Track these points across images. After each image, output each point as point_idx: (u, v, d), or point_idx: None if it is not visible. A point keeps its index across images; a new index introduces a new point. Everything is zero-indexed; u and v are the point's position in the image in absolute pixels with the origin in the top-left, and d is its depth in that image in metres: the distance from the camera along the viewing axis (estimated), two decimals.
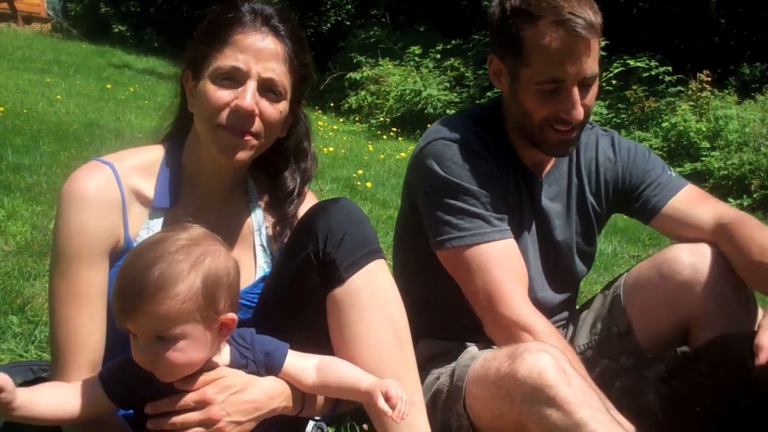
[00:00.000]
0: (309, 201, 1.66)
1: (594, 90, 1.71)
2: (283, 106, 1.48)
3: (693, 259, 1.78)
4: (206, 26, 1.49)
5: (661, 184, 1.89)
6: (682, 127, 8.13)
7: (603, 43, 9.09)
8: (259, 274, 1.58)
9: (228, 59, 1.42)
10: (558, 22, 1.60)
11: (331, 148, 7.33)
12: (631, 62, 9.43)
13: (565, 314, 2.01)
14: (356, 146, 8.33)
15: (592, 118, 2.00)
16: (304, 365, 1.41)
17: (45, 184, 4.20)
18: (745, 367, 1.47)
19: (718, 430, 1.50)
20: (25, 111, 6.75)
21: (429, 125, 1.90)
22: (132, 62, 13.36)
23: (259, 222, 1.61)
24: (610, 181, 1.93)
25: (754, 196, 7.12)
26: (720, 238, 1.78)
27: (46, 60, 11.49)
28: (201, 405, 1.31)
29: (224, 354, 1.37)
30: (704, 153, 7.79)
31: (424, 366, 1.78)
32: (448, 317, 1.85)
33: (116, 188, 1.44)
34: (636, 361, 1.75)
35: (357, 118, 11.11)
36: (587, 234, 1.95)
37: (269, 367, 1.39)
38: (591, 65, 1.65)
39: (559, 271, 1.93)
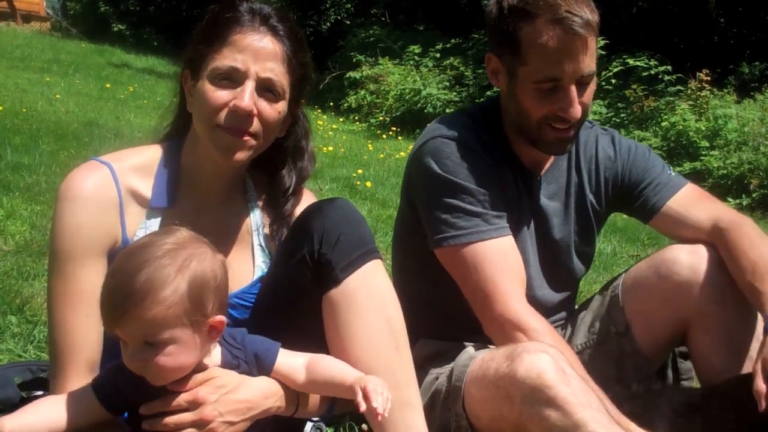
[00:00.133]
0: (307, 200, 1.65)
1: (592, 88, 1.71)
2: (282, 106, 1.47)
3: (691, 260, 1.78)
4: (204, 26, 1.49)
5: (660, 184, 1.89)
6: (681, 127, 8.13)
7: (602, 42, 9.12)
8: (258, 273, 1.58)
9: (226, 59, 1.42)
10: (555, 20, 1.60)
11: (330, 148, 7.33)
12: (631, 61, 9.43)
13: (564, 314, 2.01)
14: (356, 145, 8.33)
15: (591, 117, 2.00)
16: (295, 364, 1.40)
17: (44, 184, 4.20)
18: None
19: None
20: (24, 110, 6.74)
21: (429, 123, 1.90)
22: (131, 61, 13.35)
23: (257, 222, 1.61)
24: (610, 179, 1.93)
25: (753, 195, 7.13)
26: (717, 243, 1.78)
27: (46, 59, 11.48)
28: (194, 405, 1.31)
29: (215, 355, 1.37)
30: (703, 152, 7.79)
31: (423, 366, 1.78)
32: (446, 317, 1.85)
33: (113, 188, 1.44)
34: (647, 388, 1.74)
35: (356, 118, 11.11)
36: (586, 232, 1.95)
37: (261, 366, 1.39)
38: (588, 63, 1.65)
39: (558, 269, 1.93)
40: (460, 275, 1.73)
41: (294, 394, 1.42)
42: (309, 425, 1.73)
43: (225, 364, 1.37)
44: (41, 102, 7.51)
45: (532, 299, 1.81)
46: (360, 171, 6.26)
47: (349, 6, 14.78)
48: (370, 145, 8.47)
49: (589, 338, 1.93)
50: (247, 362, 1.38)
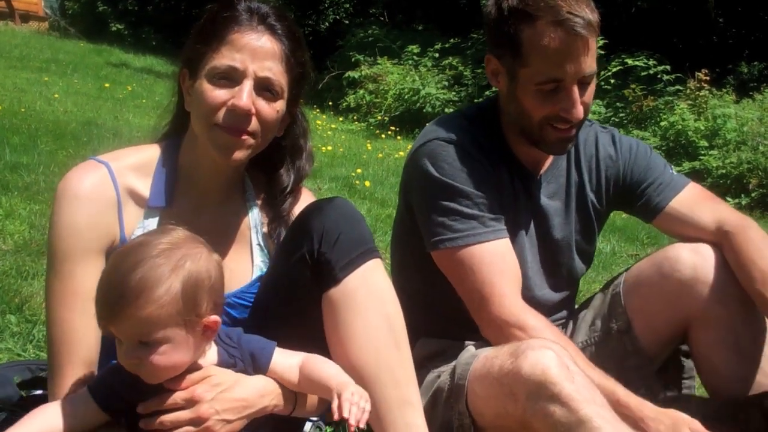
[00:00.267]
0: (306, 199, 1.65)
1: (592, 87, 1.71)
2: (280, 105, 1.47)
3: (694, 259, 1.78)
4: (203, 25, 1.48)
5: (663, 183, 1.89)
6: (680, 126, 8.14)
7: (601, 42, 9.12)
8: (257, 273, 1.57)
9: (224, 58, 1.41)
10: (557, 22, 1.59)
11: (329, 147, 7.33)
12: (630, 61, 9.44)
13: (565, 313, 2.01)
14: (355, 145, 8.33)
15: (590, 117, 2.00)
16: (290, 363, 1.40)
17: (43, 183, 4.20)
18: None
19: None
20: (22, 110, 6.74)
21: (427, 124, 1.90)
22: (130, 61, 13.34)
23: (256, 221, 1.60)
24: (611, 178, 1.92)
25: (752, 195, 7.14)
26: (721, 245, 1.79)
27: (44, 59, 11.47)
28: (190, 403, 1.31)
29: (212, 353, 1.36)
30: (702, 152, 7.80)
31: (424, 365, 1.77)
32: (446, 316, 1.85)
33: (111, 188, 1.44)
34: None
35: (355, 117, 11.12)
36: (587, 231, 1.95)
37: (256, 366, 1.39)
38: (590, 64, 1.65)
39: (558, 269, 1.93)
40: (457, 277, 1.74)
41: (291, 393, 1.42)
42: (308, 425, 1.73)
43: (221, 363, 1.36)
44: (40, 102, 7.51)
45: (532, 299, 1.81)
46: (359, 170, 6.27)
47: (347, 6, 14.79)
48: (368, 145, 8.47)
49: (590, 336, 1.93)
50: (243, 361, 1.38)
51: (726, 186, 7.30)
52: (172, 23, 15.55)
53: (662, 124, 8.39)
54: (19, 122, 6.04)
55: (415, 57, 11.65)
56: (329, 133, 9.06)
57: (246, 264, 1.57)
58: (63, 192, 1.41)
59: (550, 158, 1.88)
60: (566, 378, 1.42)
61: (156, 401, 1.30)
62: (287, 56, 1.45)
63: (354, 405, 1.25)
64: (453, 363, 1.71)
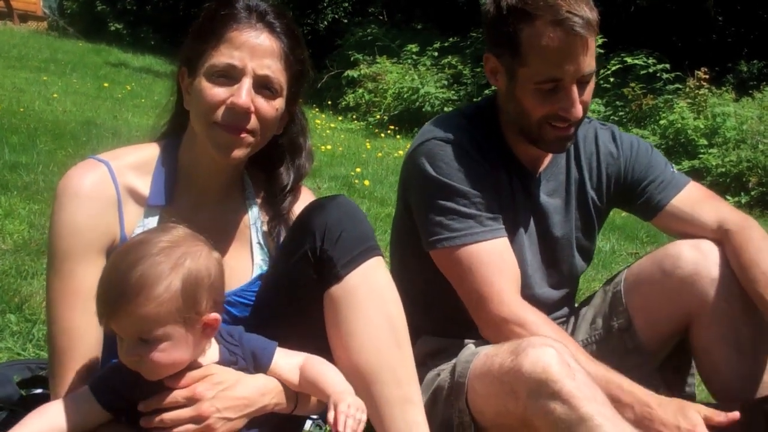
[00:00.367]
0: (306, 198, 1.65)
1: (591, 86, 1.71)
2: (279, 103, 1.47)
3: (695, 256, 1.78)
4: (201, 23, 1.48)
5: (664, 181, 1.89)
6: (679, 125, 8.14)
7: (601, 41, 9.10)
8: (256, 271, 1.57)
9: (223, 56, 1.41)
10: (556, 21, 1.59)
11: (328, 147, 7.33)
12: (629, 60, 9.44)
13: (566, 310, 2.01)
14: (354, 144, 8.33)
15: (590, 116, 2.00)
16: (290, 364, 1.40)
17: (42, 183, 4.20)
18: None
19: None
20: (21, 109, 6.74)
21: (426, 123, 1.90)
22: (128, 60, 13.33)
23: (256, 219, 1.60)
24: (612, 175, 1.92)
25: (752, 193, 7.14)
26: (723, 245, 1.79)
27: (43, 58, 11.46)
28: (191, 401, 1.31)
29: (213, 351, 1.36)
30: (702, 150, 7.80)
31: (424, 363, 1.77)
32: (446, 314, 1.85)
33: (111, 186, 1.43)
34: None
35: (354, 116, 11.11)
36: (587, 228, 1.95)
37: (257, 365, 1.39)
38: (589, 63, 1.65)
39: (559, 267, 1.93)
40: (455, 277, 1.74)
41: (293, 392, 1.42)
42: (309, 423, 1.73)
43: (223, 361, 1.36)
44: (39, 101, 7.51)
45: (533, 298, 1.81)
46: (358, 169, 6.27)
47: (346, 5, 14.79)
48: (368, 144, 8.47)
49: (591, 334, 1.93)
50: (244, 359, 1.38)
51: (725, 184, 7.30)
52: (171, 23, 15.53)
53: (662, 122, 8.38)
54: (18, 122, 6.04)
55: (414, 56, 11.64)
56: (328, 132, 9.06)
57: (246, 262, 1.57)
58: (63, 191, 1.41)
59: (550, 156, 1.88)
60: (567, 375, 1.42)
61: (157, 399, 1.30)
62: (286, 54, 1.45)
63: (350, 417, 1.26)
64: (453, 361, 1.71)
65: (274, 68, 1.43)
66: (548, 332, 1.62)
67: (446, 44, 11.69)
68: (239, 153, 1.44)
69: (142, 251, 1.24)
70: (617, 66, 9.42)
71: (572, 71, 1.63)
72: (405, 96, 10.58)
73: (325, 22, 14.62)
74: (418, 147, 1.77)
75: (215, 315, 1.29)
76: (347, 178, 5.86)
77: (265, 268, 1.58)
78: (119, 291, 1.21)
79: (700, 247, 1.79)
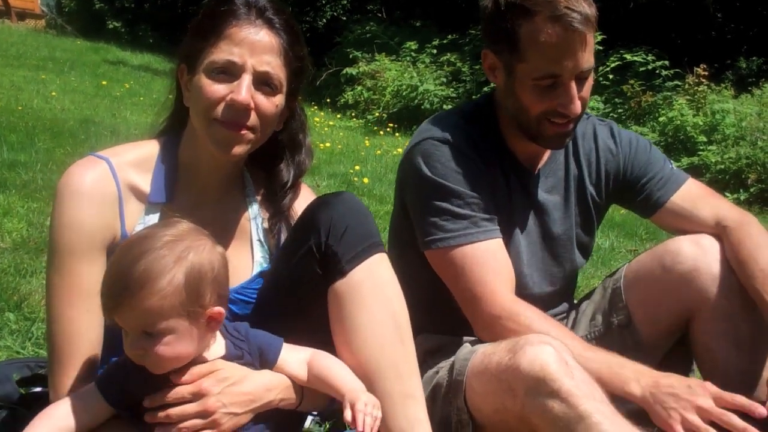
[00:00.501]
0: (305, 195, 1.65)
1: (590, 82, 1.71)
2: (279, 99, 1.46)
3: (695, 251, 1.78)
4: (200, 20, 1.47)
5: (663, 178, 1.89)
6: (678, 122, 8.14)
7: (600, 38, 9.08)
8: (257, 269, 1.57)
9: (222, 53, 1.41)
10: (554, 17, 1.59)
11: (327, 144, 7.33)
12: (628, 57, 9.43)
13: (565, 306, 2.02)
14: (353, 142, 8.33)
15: (589, 113, 2.00)
16: (297, 359, 1.41)
17: (40, 181, 4.20)
18: None
19: None
20: (19, 108, 6.73)
21: (423, 122, 1.89)
22: (127, 59, 13.32)
23: (256, 216, 1.60)
24: (611, 172, 1.92)
25: (751, 190, 7.14)
26: (722, 241, 1.79)
27: (41, 56, 11.45)
28: (197, 396, 1.31)
29: (219, 346, 1.37)
30: (701, 147, 7.80)
31: (424, 360, 1.77)
32: (445, 312, 1.84)
33: (112, 183, 1.43)
34: None
35: (353, 114, 11.11)
36: (586, 225, 1.95)
37: (264, 360, 1.40)
38: (587, 59, 1.65)
39: (558, 263, 1.93)
40: (450, 277, 1.74)
41: (298, 387, 1.42)
42: (309, 419, 1.74)
43: (228, 355, 1.37)
44: (37, 100, 7.50)
45: (532, 295, 1.81)
46: (357, 167, 6.27)
47: (345, 2, 14.76)
48: (367, 142, 8.47)
49: (591, 331, 1.93)
50: (250, 354, 1.39)
51: (725, 181, 7.30)
52: (169, 20, 15.53)
53: (661, 119, 8.39)
54: (16, 120, 6.03)
55: (413, 53, 11.64)
56: (327, 129, 9.06)
57: (246, 260, 1.57)
58: (65, 188, 1.40)
59: (548, 153, 1.88)
60: (565, 374, 1.42)
61: (162, 395, 1.31)
62: (285, 50, 1.45)
63: (368, 415, 1.29)
64: (452, 359, 1.71)
65: (273, 64, 1.43)
66: (543, 326, 1.62)
67: (445, 41, 11.68)
68: (239, 149, 1.44)
69: (146, 245, 1.24)
70: (616, 63, 9.42)
71: (571, 67, 1.63)
72: (404, 93, 10.57)
73: (324, 20, 14.60)
74: (415, 147, 1.77)
75: (219, 309, 1.30)
76: (346, 176, 5.86)
77: (265, 265, 1.58)
78: (123, 284, 1.22)
79: (700, 242, 1.80)
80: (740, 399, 1.50)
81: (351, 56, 11.95)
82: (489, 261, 1.70)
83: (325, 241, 1.42)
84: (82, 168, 1.43)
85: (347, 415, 1.30)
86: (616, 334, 1.88)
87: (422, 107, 10.12)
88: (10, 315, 2.41)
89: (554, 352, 1.44)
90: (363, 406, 1.30)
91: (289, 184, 1.61)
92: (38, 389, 1.74)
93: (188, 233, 1.29)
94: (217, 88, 1.40)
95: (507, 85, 1.73)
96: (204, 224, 1.36)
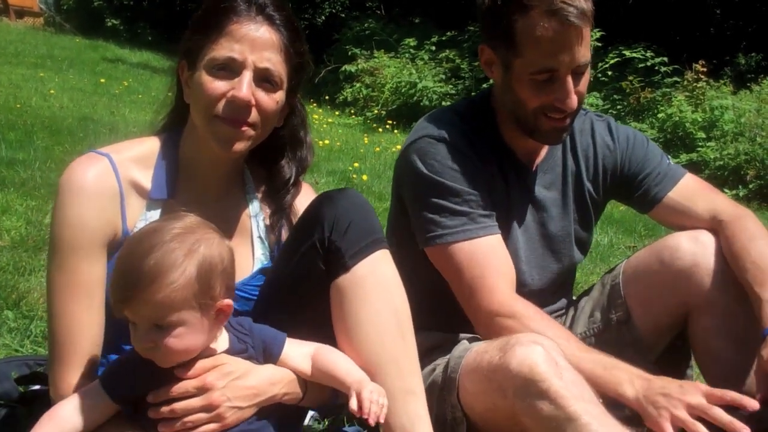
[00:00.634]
0: (306, 193, 1.65)
1: (586, 77, 1.71)
2: (280, 95, 1.47)
3: (694, 247, 1.78)
4: (201, 16, 1.47)
5: (660, 174, 1.89)
6: (677, 118, 8.15)
7: (598, 34, 9.06)
8: (257, 265, 1.57)
9: (223, 49, 1.41)
10: (550, 11, 1.59)
11: (326, 141, 7.32)
12: (627, 53, 9.44)
13: (563, 302, 2.02)
14: (352, 139, 8.33)
15: (589, 110, 2.00)
16: (300, 353, 1.42)
17: (39, 179, 4.19)
18: None
19: None
20: (18, 106, 6.72)
21: (418, 121, 1.89)
22: (125, 56, 13.31)
23: (256, 213, 1.60)
24: (609, 167, 1.92)
25: (750, 186, 7.15)
26: (718, 235, 1.79)
27: (39, 54, 11.43)
28: (202, 391, 1.32)
29: (222, 340, 1.37)
30: (700, 143, 7.81)
31: (423, 357, 1.77)
32: (443, 309, 1.84)
33: (114, 179, 1.43)
34: None
35: (352, 111, 11.10)
36: (584, 220, 1.95)
37: (267, 354, 1.41)
38: (584, 53, 1.64)
39: (557, 260, 1.93)
40: (449, 273, 1.74)
41: (302, 382, 1.43)
42: (308, 416, 1.74)
43: (231, 349, 1.38)
44: (35, 97, 7.49)
45: (531, 292, 1.82)
46: (356, 164, 6.27)
47: None
48: (366, 139, 8.47)
49: (589, 327, 1.93)
50: (254, 348, 1.40)
51: (723, 177, 7.31)
52: (168, 18, 15.51)
53: (660, 116, 8.39)
54: (14, 118, 6.03)
55: (411, 50, 11.63)
56: (326, 127, 9.05)
57: (247, 256, 1.57)
58: (66, 184, 1.40)
59: (546, 149, 1.88)
60: (555, 374, 1.41)
61: (167, 389, 1.31)
62: (286, 46, 1.45)
63: (374, 403, 1.30)
64: (448, 356, 1.71)
65: (274, 61, 1.43)
66: (540, 324, 1.62)
67: (444, 38, 11.67)
68: (240, 146, 1.45)
69: (156, 238, 1.25)
70: (615, 59, 9.42)
71: (567, 61, 1.63)
72: (403, 90, 10.57)
73: (323, 17, 14.59)
74: (411, 145, 1.78)
75: (228, 301, 1.31)
76: (345, 173, 5.86)
77: (265, 262, 1.58)
78: (135, 277, 1.22)
79: (698, 238, 1.79)
80: (731, 394, 1.50)
81: (350, 53, 11.94)
82: (487, 257, 1.70)
83: (329, 237, 1.42)
84: (83, 164, 1.42)
85: (353, 403, 1.31)
86: (615, 330, 1.88)
87: (421, 104, 10.11)
88: (8, 313, 2.40)
89: (544, 352, 1.44)
90: (369, 394, 1.31)
91: (291, 181, 1.61)
92: (37, 387, 1.74)
93: (197, 226, 1.30)
94: (218, 85, 1.40)
95: (504, 80, 1.73)
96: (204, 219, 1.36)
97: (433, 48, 11.54)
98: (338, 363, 1.40)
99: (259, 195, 1.62)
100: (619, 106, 9.13)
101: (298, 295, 1.49)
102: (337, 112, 11.13)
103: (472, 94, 9.00)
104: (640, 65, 9.34)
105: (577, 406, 1.39)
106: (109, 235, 1.42)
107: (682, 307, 1.80)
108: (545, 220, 1.88)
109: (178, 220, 1.29)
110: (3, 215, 3.46)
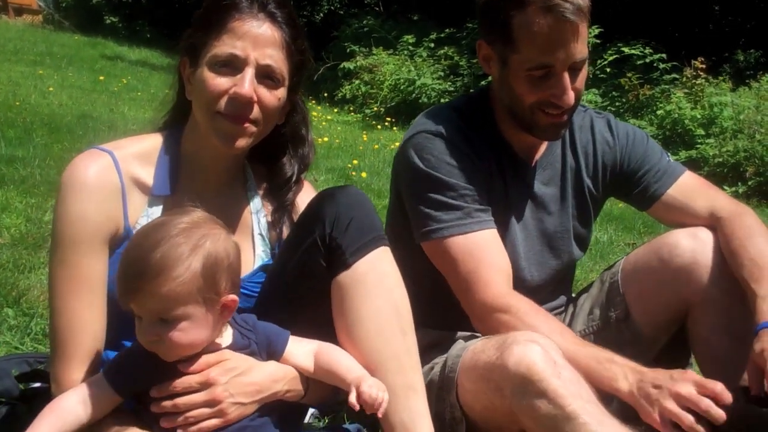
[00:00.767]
0: (307, 191, 1.66)
1: (584, 73, 1.71)
2: (282, 92, 1.47)
3: (693, 244, 1.79)
4: (203, 13, 1.48)
5: (660, 171, 1.89)
6: (676, 115, 8.14)
7: (597, 31, 9.03)
8: (258, 262, 1.58)
9: (225, 46, 1.41)
10: (546, 8, 1.59)
11: (325, 139, 7.32)
12: (626, 50, 9.42)
13: (563, 299, 2.02)
14: (351, 136, 8.33)
15: (588, 107, 2.00)
16: (303, 351, 1.43)
17: (39, 177, 4.19)
18: None
19: None
20: (17, 103, 6.72)
21: (416, 118, 1.90)
22: (124, 54, 13.29)
23: (257, 210, 1.61)
24: (608, 164, 1.93)
25: (749, 183, 7.14)
26: (717, 233, 1.79)
27: (38, 52, 11.42)
28: (205, 386, 1.32)
29: (226, 336, 1.38)
30: (699, 140, 7.80)
31: (422, 355, 1.78)
32: (441, 306, 1.85)
33: (116, 176, 1.43)
34: None
35: (351, 108, 11.09)
36: (583, 217, 1.95)
37: (271, 351, 1.41)
38: (580, 49, 1.65)
39: (556, 256, 1.93)
40: (445, 268, 1.75)
41: (304, 379, 1.43)
42: (308, 413, 1.74)
43: (234, 345, 1.38)
44: (34, 95, 7.49)
45: (530, 287, 1.82)
46: (355, 162, 6.27)
47: None
48: (365, 136, 8.47)
49: (589, 325, 1.94)
50: (257, 344, 1.40)
51: (723, 174, 7.30)
52: (167, 16, 15.49)
53: (659, 113, 8.38)
54: (14, 115, 6.03)
55: (410, 47, 11.61)
56: (325, 124, 9.04)
57: (248, 253, 1.57)
58: (68, 180, 1.40)
59: (545, 145, 1.88)
60: (552, 373, 1.41)
61: (170, 384, 1.31)
62: (288, 43, 1.45)
63: (373, 393, 1.31)
64: (445, 355, 1.71)
65: (276, 58, 1.43)
66: (535, 319, 1.62)
67: (442, 35, 11.65)
68: (242, 142, 1.45)
69: (162, 232, 1.26)
70: (614, 56, 9.41)
71: (563, 58, 1.63)
72: (401, 88, 10.56)
73: (321, 14, 14.58)
74: (408, 140, 1.78)
75: (233, 296, 1.32)
76: (344, 171, 5.86)
77: (266, 259, 1.59)
78: (141, 271, 1.23)
79: (697, 235, 1.80)
80: (718, 386, 1.48)
81: (348, 50, 11.92)
82: (482, 251, 1.71)
83: (330, 234, 1.43)
84: (85, 160, 1.43)
85: (352, 397, 1.31)
86: (614, 327, 1.89)
87: (420, 101, 10.10)
88: (8, 311, 2.41)
89: (542, 351, 1.44)
90: (368, 387, 1.32)
91: (293, 178, 1.61)
92: (37, 385, 1.74)
93: (204, 221, 1.31)
94: (220, 82, 1.41)
95: (501, 76, 1.73)
96: None
97: (432, 45, 11.52)
98: (340, 361, 1.40)
99: (261, 192, 1.63)
100: (617, 103, 9.12)
101: (298, 292, 1.49)
102: (335, 110, 11.12)
103: (471, 90, 9.00)
104: (639, 62, 9.32)
105: (576, 405, 1.39)
106: (111, 231, 1.42)
107: (681, 304, 1.80)
108: (544, 216, 1.89)
109: (185, 215, 1.30)
110: (3, 213, 3.46)
